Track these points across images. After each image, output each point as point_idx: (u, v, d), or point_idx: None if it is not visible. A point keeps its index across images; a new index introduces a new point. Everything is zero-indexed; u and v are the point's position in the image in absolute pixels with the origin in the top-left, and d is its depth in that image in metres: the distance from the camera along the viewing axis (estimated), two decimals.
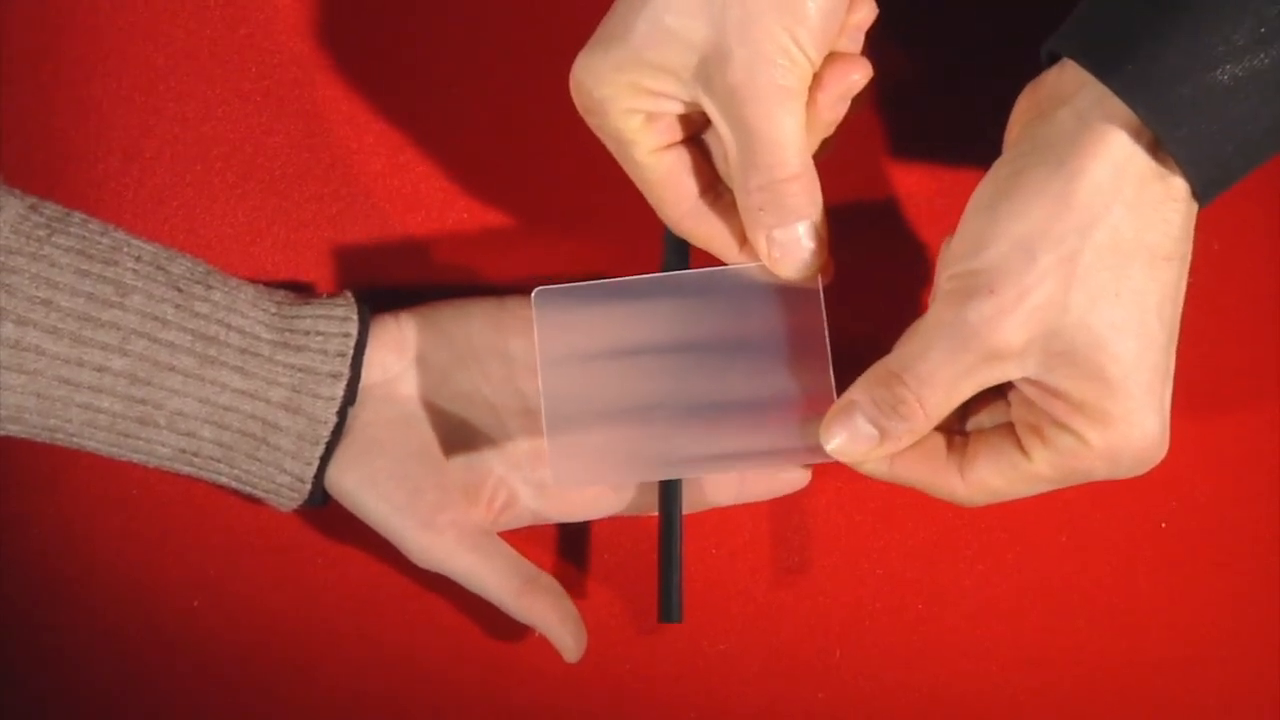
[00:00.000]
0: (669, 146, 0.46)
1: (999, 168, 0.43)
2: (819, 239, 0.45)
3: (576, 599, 0.53)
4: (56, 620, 0.56)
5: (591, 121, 0.45)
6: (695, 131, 0.47)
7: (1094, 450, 0.42)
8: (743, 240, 0.47)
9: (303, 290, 0.56)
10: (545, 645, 0.55)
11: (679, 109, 0.45)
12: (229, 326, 0.49)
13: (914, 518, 0.57)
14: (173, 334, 0.48)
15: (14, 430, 0.47)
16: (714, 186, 0.47)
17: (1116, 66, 0.40)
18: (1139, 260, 0.41)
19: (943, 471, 0.45)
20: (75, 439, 0.48)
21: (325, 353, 0.50)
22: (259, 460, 0.49)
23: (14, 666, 0.56)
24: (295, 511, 0.52)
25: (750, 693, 0.56)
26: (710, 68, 0.42)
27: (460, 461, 0.52)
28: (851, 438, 0.44)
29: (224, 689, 0.56)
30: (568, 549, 0.56)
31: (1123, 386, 0.41)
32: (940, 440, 0.46)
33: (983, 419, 0.47)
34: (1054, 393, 0.42)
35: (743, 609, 0.56)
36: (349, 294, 0.52)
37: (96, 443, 0.48)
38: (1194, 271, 0.58)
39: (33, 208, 0.47)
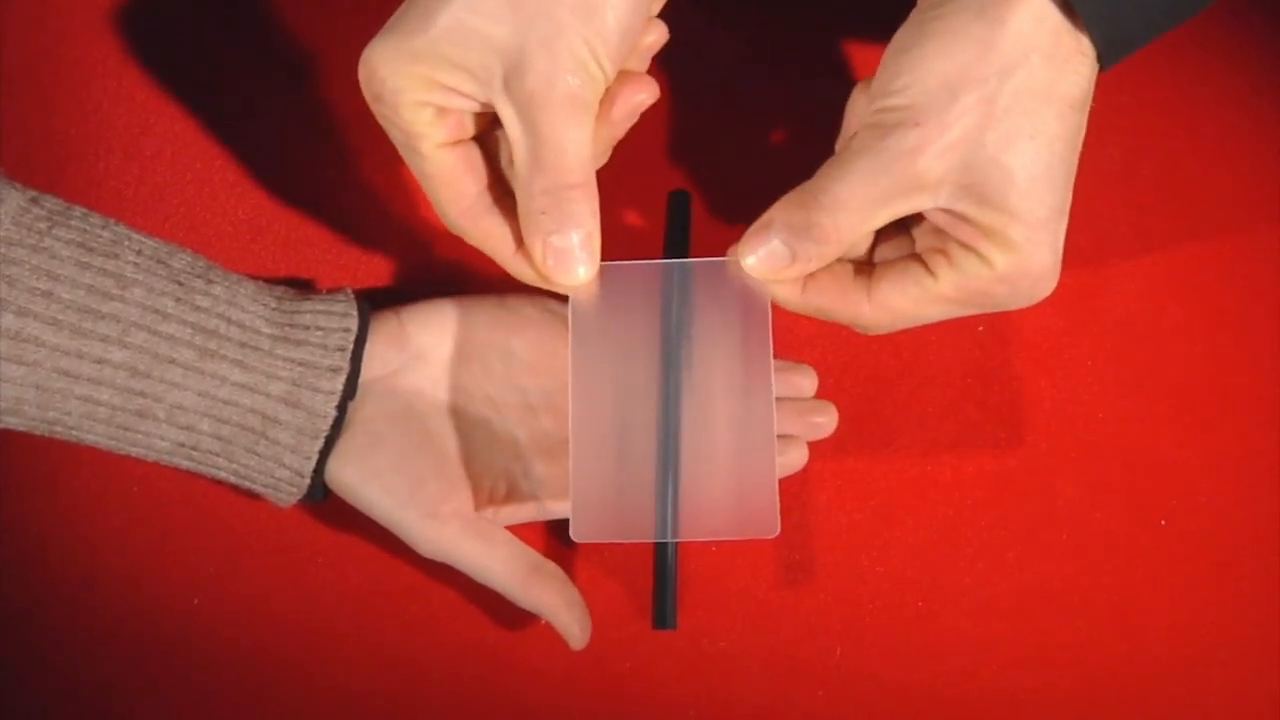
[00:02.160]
0: (455, 143, 0.46)
1: (921, 12, 0.44)
2: (592, 250, 0.46)
3: None
4: (56, 620, 0.56)
5: (379, 110, 0.45)
6: (481, 130, 0.47)
7: (996, 272, 0.44)
8: (519, 243, 0.47)
9: (303, 287, 0.56)
10: (545, 644, 0.55)
11: (471, 107, 0.45)
12: (229, 320, 0.49)
13: (914, 516, 0.57)
14: (173, 327, 0.48)
15: (13, 423, 0.47)
16: (494, 187, 0.48)
17: None
18: (1052, 106, 0.42)
19: (850, 295, 0.47)
20: (74, 432, 0.48)
21: (325, 347, 0.50)
22: (258, 454, 0.49)
23: (14, 666, 0.56)
24: (294, 509, 0.52)
25: (750, 691, 0.56)
26: (509, 72, 0.42)
27: (461, 456, 0.52)
28: (766, 256, 0.46)
29: (224, 688, 0.56)
30: (567, 544, 0.56)
31: (1025, 219, 0.43)
32: (848, 267, 0.48)
33: (888, 251, 0.49)
34: (963, 219, 0.44)
35: (743, 607, 0.56)
36: (349, 290, 0.53)
37: (95, 436, 0.48)
38: (1194, 273, 0.58)
39: (34, 200, 0.47)
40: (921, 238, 0.47)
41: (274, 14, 0.58)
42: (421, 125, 0.44)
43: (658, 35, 0.47)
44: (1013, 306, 0.46)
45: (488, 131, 0.47)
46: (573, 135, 0.43)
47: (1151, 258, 0.59)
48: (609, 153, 0.48)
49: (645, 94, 0.46)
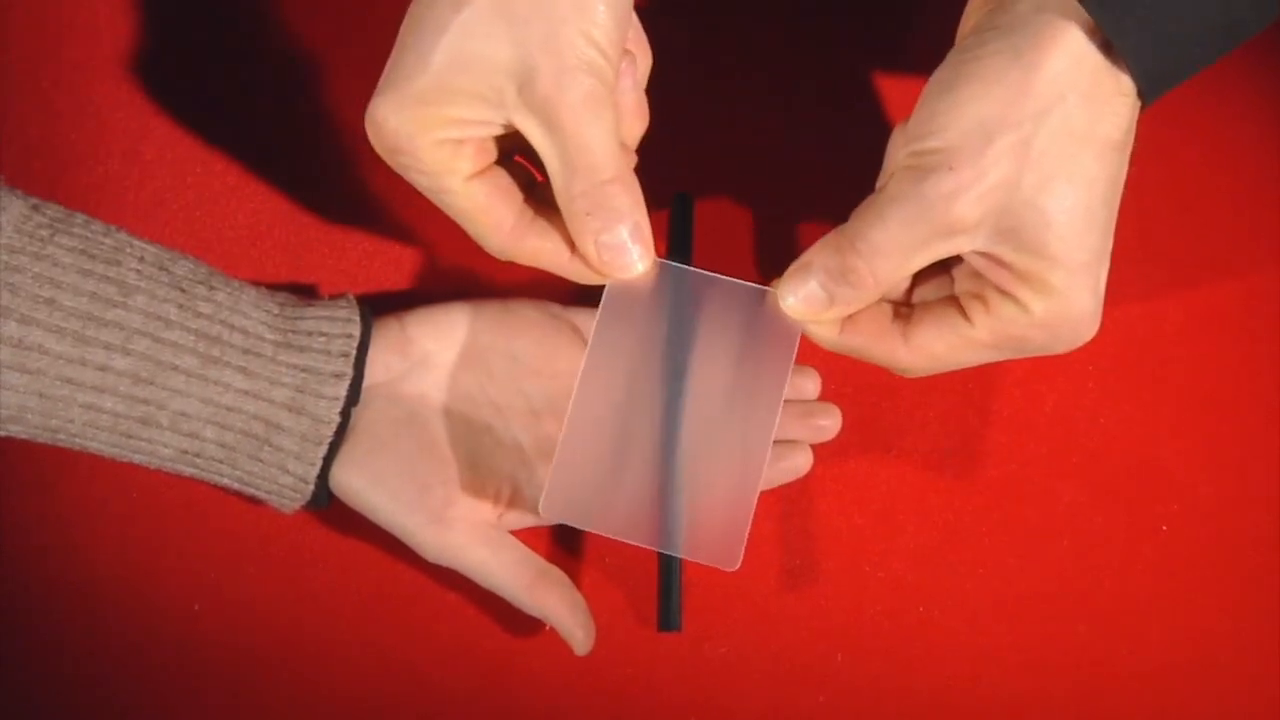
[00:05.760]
0: (482, 172, 0.45)
1: (957, 54, 0.44)
2: (644, 239, 0.46)
3: None
4: (57, 622, 0.56)
5: (399, 162, 0.44)
6: (504, 152, 0.47)
7: (1034, 318, 0.44)
8: (571, 249, 0.47)
9: (305, 293, 0.56)
10: (549, 649, 0.55)
11: (490, 132, 0.44)
12: (232, 327, 0.49)
13: (916, 521, 0.57)
14: (176, 334, 0.48)
15: (15, 431, 0.47)
16: (529, 202, 0.47)
17: None
18: (1091, 148, 0.42)
19: (887, 337, 0.47)
20: (77, 440, 0.48)
21: (328, 353, 0.50)
22: (262, 461, 0.49)
23: (14, 667, 0.56)
24: (297, 514, 0.52)
25: (752, 696, 0.56)
26: (520, 85, 0.42)
27: (465, 461, 0.52)
28: (805, 298, 0.46)
29: (225, 693, 0.56)
30: (571, 550, 0.56)
31: (1064, 263, 0.43)
32: (886, 308, 0.48)
33: (926, 292, 0.48)
34: (1000, 263, 0.43)
35: (745, 612, 0.56)
36: (351, 296, 0.53)
37: (98, 443, 0.48)
38: (1196, 279, 0.58)
39: (35, 208, 0.47)
40: (960, 280, 0.47)
41: (275, 18, 0.58)
42: (445, 163, 0.44)
43: (645, 62, 0.47)
44: (1052, 352, 0.45)
45: (510, 152, 0.47)
46: (596, 130, 0.43)
47: (1153, 263, 0.59)
48: (634, 148, 0.48)
49: (641, 65, 0.47)
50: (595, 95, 0.43)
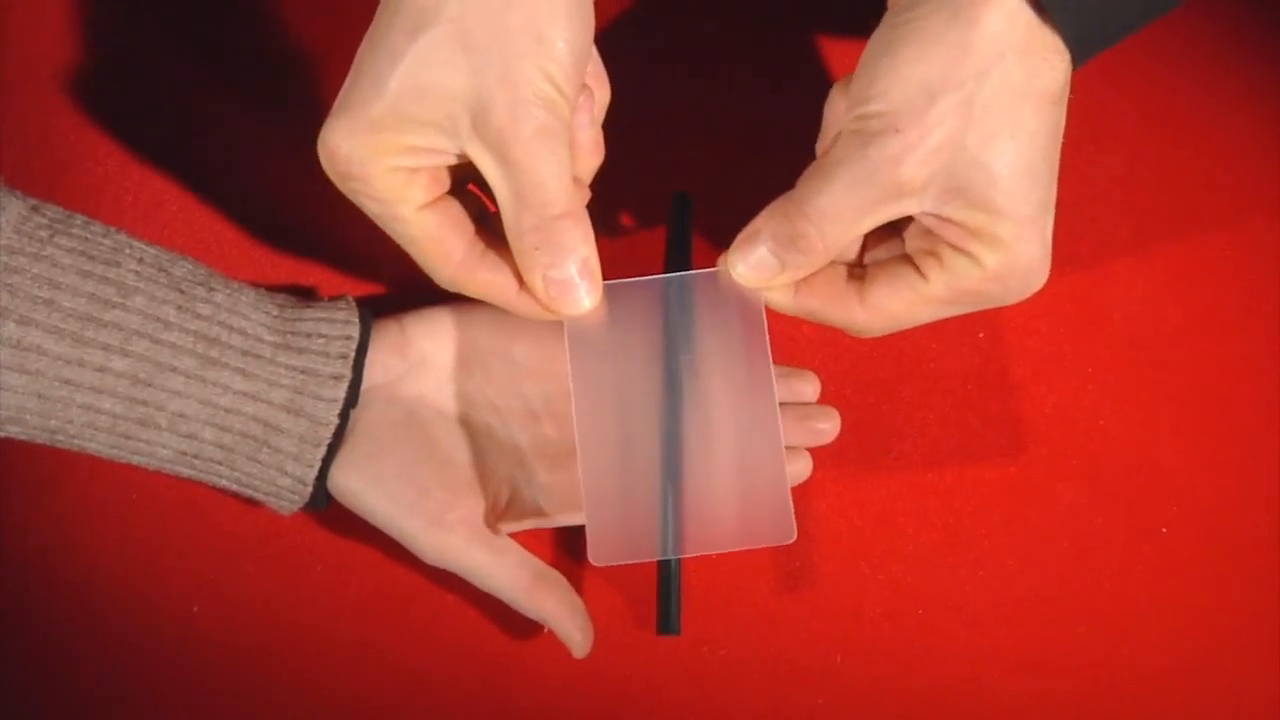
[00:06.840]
0: (434, 202, 0.45)
1: (894, 15, 0.44)
2: (593, 275, 0.46)
3: None
4: (56, 623, 0.56)
5: (350, 188, 0.44)
6: (455, 182, 0.46)
7: (987, 271, 0.44)
8: (519, 283, 0.46)
9: (305, 293, 0.56)
10: (546, 651, 0.55)
11: (444, 161, 0.44)
12: (231, 328, 0.49)
13: (915, 523, 0.57)
14: (174, 335, 0.48)
15: (14, 431, 0.47)
16: (480, 235, 0.47)
17: None
18: (1030, 103, 0.42)
19: (843, 298, 0.47)
20: (76, 440, 0.48)
21: (327, 355, 0.50)
22: (260, 462, 0.49)
23: (14, 668, 0.56)
24: (295, 515, 0.52)
25: (751, 698, 0.56)
26: (474, 116, 0.42)
27: (464, 462, 0.52)
28: (755, 264, 0.46)
29: (223, 694, 0.56)
30: (570, 552, 0.56)
31: (1012, 216, 0.43)
32: (841, 270, 0.48)
33: (879, 254, 0.49)
34: (950, 221, 0.44)
35: (744, 614, 0.56)
36: (350, 298, 0.53)
37: (97, 444, 0.48)
38: (1195, 279, 0.58)
39: (34, 209, 0.47)
40: (911, 239, 0.47)
41: (275, 19, 0.58)
42: (398, 191, 0.43)
43: (603, 96, 0.47)
44: (1006, 302, 0.46)
45: (463, 181, 0.47)
46: (548, 165, 0.43)
47: (1151, 264, 0.59)
48: (588, 183, 0.48)
49: (599, 99, 0.46)
50: (549, 130, 0.42)
